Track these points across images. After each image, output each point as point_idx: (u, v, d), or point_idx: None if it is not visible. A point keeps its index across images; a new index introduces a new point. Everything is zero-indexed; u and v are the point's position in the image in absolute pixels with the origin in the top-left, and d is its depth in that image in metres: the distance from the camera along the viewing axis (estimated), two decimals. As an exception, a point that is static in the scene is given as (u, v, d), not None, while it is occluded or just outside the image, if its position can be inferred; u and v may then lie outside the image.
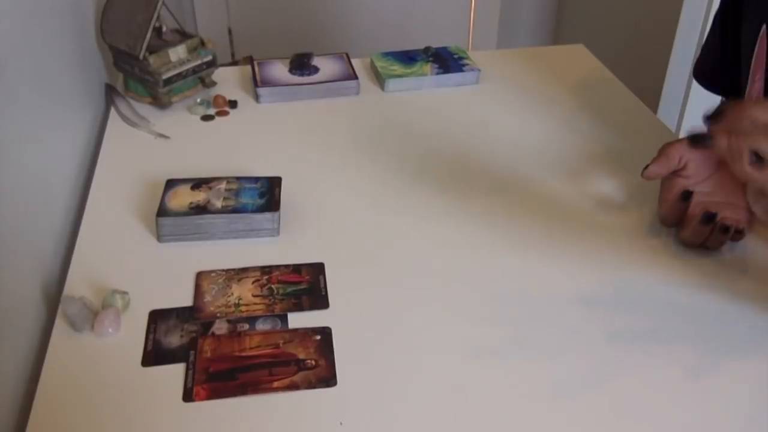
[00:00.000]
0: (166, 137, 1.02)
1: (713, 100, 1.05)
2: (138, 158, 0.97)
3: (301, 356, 0.68)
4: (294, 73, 1.16)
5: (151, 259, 0.80)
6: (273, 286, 0.76)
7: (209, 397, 0.64)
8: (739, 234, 0.79)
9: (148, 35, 1.02)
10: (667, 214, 0.82)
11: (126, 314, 0.73)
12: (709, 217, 0.77)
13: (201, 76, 1.12)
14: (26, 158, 0.77)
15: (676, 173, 0.81)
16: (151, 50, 1.04)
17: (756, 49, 0.83)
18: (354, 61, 1.21)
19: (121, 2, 1.05)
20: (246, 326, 0.71)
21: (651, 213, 0.87)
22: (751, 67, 0.84)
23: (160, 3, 1.02)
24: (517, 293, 0.76)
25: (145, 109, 1.09)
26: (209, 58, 1.11)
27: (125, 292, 0.74)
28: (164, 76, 1.04)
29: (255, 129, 1.05)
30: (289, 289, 0.76)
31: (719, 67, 0.97)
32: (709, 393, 0.65)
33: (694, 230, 0.79)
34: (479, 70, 1.19)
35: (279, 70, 1.18)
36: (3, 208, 0.68)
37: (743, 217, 0.80)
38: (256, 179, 0.88)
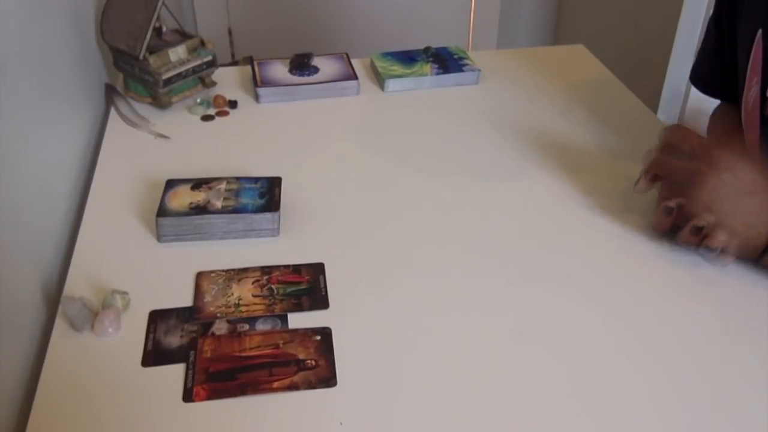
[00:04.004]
0: (166, 137, 1.02)
1: (712, 101, 1.05)
2: (138, 158, 0.97)
3: (301, 356, 0.68)
4: (294, 73, 1.16)
5: (151, 259, 0.80)
6: (273, 286, 0.76)
7: (209, 398, 0.64)
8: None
9: (148, 35, 1.02)
10: (655, 225, 0.83)
11: (126, 314, 0.73)
12: (698, 230, 0.77)
13: (201, 76, 1.12)
14: (26, 158, 0.77)
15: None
16: (151, 50, 1.04)
17: (752, 54, 0.83)
18: (354, 61, 1.21)
19: (121, 2, 1.05)
20: (246, 326, 0.71)
21: (651, 212, 0.87)
22: (747, 71, 0.84)
23: (160, 3, 1.02)
24: (518, 293, 0.76)
25: (145, 109, 1.09)
26: (209, 58, 1.11)
27: (125, 292, 0.74)
28: (164, 76, 1.04)
29: (255, 129, 1.05)
30: (289, 290, 0.76)
31: (716, 72, 0.97)
32: (709, 395, 0.66)
33: (685, 239, 0.79)
34: (479, 70, 1.19)
35: (279, 70, 1.18)
36: (3, 208, 0.68)
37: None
38: (256, 179, 0.88)
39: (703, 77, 1.01)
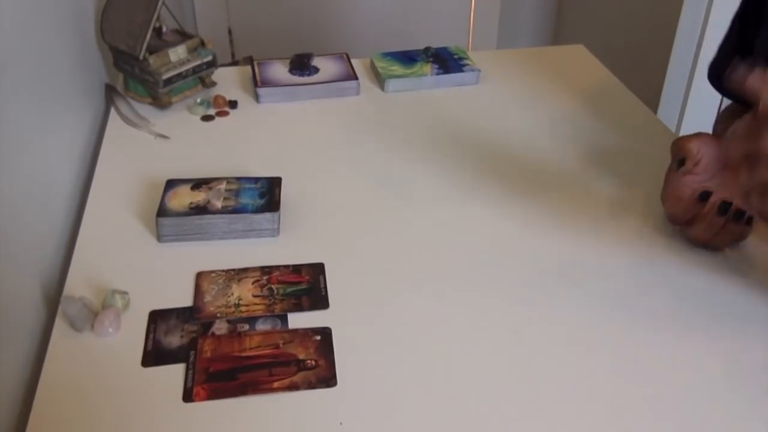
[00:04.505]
0: (166, 137, 1.02)
1: (713, 101, 1.05)
2: (138, 158, 0.97)
3: (301, 356, 0.68)
4: (294, 74, 1.16)
5: (151, 259, 0.80)
6: (273, 286, 0.76)
7: (209, 398, 0.64)
8: (748, 226, 0.78)
9: (148, 35, 1.02)
10: (680, 212, 0.81)
11: (126, 314, 0.73)
12: (726, 207, 0.77)
13: (201, 76, 1.12)
14: (26, 158, 0.77)
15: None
16: (151, 50, 1.04)
17: None
18: (354, 62, 1.21)
19: (121, 2, 1.05)
20: (246, 326, 0.71)
21: (652, 211, 0.87)
22: None
23: (160, 3, 1.02)
24: (519, 293, 0.76)
25: (145, 109, 1.09)
26: (209, 58, 1.11)
27: (125, 292, 0.74)
28: (164, 77, 1.04)
29: (255, 129, 1.05)
30: (289, 289, 0.76)
31: None
32: (717, 387, 0.66)
33: (708, 223, 0.78)
34: (479, 70, 1.19)
35: (279, 70, 1.18)
36: (3, 208, 0.68)
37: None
38: (256, 179, 0.88)
39: (722, 76, 1.00)
